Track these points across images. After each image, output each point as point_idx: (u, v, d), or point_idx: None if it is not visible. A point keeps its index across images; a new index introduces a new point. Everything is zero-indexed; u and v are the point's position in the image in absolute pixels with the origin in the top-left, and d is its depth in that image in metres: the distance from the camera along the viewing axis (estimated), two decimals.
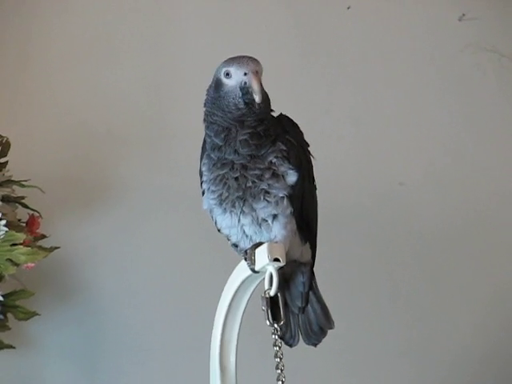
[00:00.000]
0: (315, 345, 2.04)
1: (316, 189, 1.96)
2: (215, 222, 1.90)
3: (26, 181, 2.50)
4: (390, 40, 3.13)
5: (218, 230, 1.91)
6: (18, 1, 2.91)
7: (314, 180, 1.95)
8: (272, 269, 1.75)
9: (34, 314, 2.55)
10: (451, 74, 3.15)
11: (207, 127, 1.88)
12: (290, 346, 2.01)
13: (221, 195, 1.85)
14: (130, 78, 2.94)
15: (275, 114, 1.90)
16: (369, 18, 3.13)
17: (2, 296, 2.43)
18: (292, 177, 1.82)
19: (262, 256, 1.76)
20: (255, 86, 1.80)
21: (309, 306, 2.02)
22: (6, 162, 2.51)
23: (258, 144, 1.83)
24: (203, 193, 1.90)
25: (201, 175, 1.92)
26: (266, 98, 1.84)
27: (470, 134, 3.11)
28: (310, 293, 2.01)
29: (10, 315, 2.52)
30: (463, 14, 3.15)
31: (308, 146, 1.93)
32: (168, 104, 2.92)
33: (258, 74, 1.82)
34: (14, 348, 2.57)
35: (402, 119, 3.08)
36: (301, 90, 3.01)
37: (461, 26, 3.16)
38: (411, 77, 3.12)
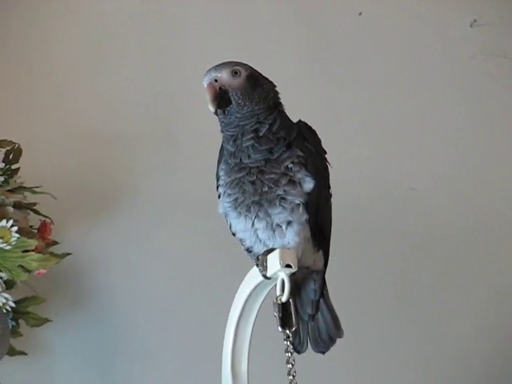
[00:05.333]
0: (323, 352, 2.04)
1: (331, 196, 1.95)
2: (230, 226, 1.90)
3: (37, 187, 2.51)
4: (401, 46, 3.13)
5: (233, 234, 1.91)
6: (24, 6, 2.92)
7: (329, 187, 1.94)
8: (284, 275, 1.75)
9: (46, 320, 2.56)
10: (462, 80, 3.15)
11: (222, 135, 1.91)
12: (298, 352, 2.00)
13: (236, 199, 1.85)
14: (140, 84, 2.94)
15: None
16: (380, 24, 3.13)
17: (14, 302, 2.42)
18: (309, 184, 1.82)
19: (273, 262, 1.76)
20: (206, 98, 1.83)
21: (319, 313, 2.01)
22: (18, 169, 2.52)
23: (269, 148, 1.83)
24: (219, 196, 1.90)
25: (217, 179, 1.92)
26: (247, 95, 1.84)
27: (482, 139, 3.11)
28: (321, 300, 2.00)
29: (21, 322, 2.52)
30: (475, 20, 3.15)
31: (325, 153, 1.93)
32: (178, 110, 2.93)
33: (211, 84, 1.84)
34: (25, 354, 2.57)
35: (413, 125, 3.08)
36: (312, 96, 3.01)
37: (472, 32, 3.16)
38: (422, 83, 3.12)
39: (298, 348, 2.01)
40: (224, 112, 1.85)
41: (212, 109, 1.84)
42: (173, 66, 2.97)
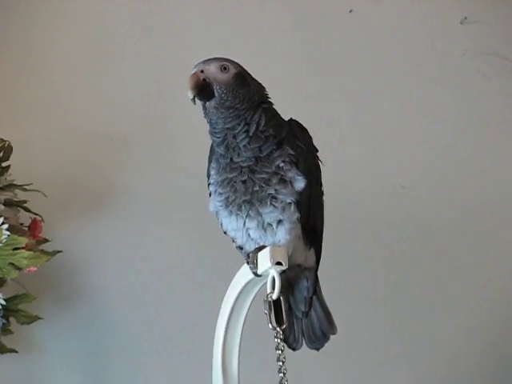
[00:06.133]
0: (318, 349, 2.04)
1: (323, 194, 1.96)
2: (221, 224, 1.90)
3: (28, 185, 2.50)
4: (391, 43, 3.13)
5: (224, 232, 1.91)
6: (22, 6, 2.91)
7: (321, 185, 1.94)
8: (274, 272, 1.75)
9: (37, 318, 2.55)
10: (453, 78, 3.15)
11: (211, 137, 1.91)
12: (294, 349, 2.02)
13: (228, 198, 1.85)
14: (132, 82, 2.94)
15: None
16: (370, 22, 3.13)
17: (5, 300, 2.42)
18: (300, 183, 1.82)
19: (264, 260, 1.76)
20: (187, 84, 1.82)
21: (312, 310, 2.01)
22: (8, 166, 2.51)
23: (258, 146, 1.83)
24: (210, 194, 1.90)
25: (208, 177, 1.92)
26: (231, 91, 1.84)
27: (472, 137, 3.11)
28: (314, 297, 2.01)
29: (12, 319, 2.52)
30: (465, 18, 3.15)
31: (317, 151, 1.93)
32: (171, 109, 2.92)
33: (196, 73, 1.83)
34: (16, 352, 2.57)
35: (403, 122, 3.08)
36: (302, 94, 3.01)
37: (463, 29, 3.16)
38: (413, 80, 3.12)
39: (293, 345, 2.02)
40: (205, 110, 1.85)
41: (190, 95, 1.82)
42: (168, 66, 2.97)
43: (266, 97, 1.91)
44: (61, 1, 2.97)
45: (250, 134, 1.83)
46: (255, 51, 2.97)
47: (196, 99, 1.84)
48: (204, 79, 1.84)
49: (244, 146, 1.83)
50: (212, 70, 1.84)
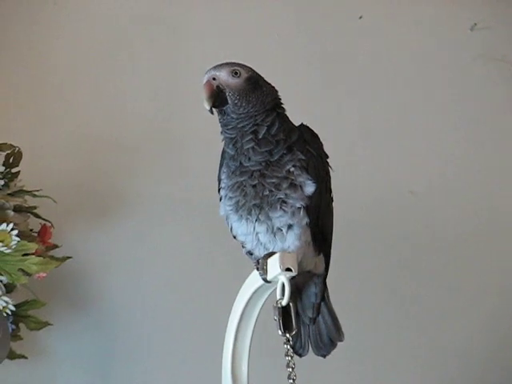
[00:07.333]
0: (324, 356, 2.04)
1: (333, 200, 1.95)
2: (231, 229, 1.90)
3: (37, 191, 2.50)
4: (401, 49, 3.13)
5: (234, 237, 1.91)
6: (33, 12, 2.92)
7: (331, 192, 1.94)
8: (284, 278, 1.74)
9: (46, 323, 2.55)
10: (462, 84, 3.15)
11: (222, 139, 1.91)
12: (300, 355, 2.01)
13: (238, 202, 1.85)
14: (141, 89, 2.95)
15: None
16: (380, 28, 3.13)
17: (14, 306, 2.42)
18: (310, 187, 1.82)
19: (273, 266, 1.76)
20: (203, 95, 1.83)
21: (320, 317, 2.01)
22: (18, 172, 2.52)
23: (268, 150, 1.83)
24: (220, 199, 1.90)
25: (219, 181, 1.92)
26: (244, 96, 1.84)
27: (481, 143, 3.11)
28: (322, 304, 2.00)
29: (21, 325, 2.52)
30: (475, 24, 3.15)
31: (327, 157, 1.92)
32: (177, 114, 2.93)
33: (209, 82, 1.84)
34: (26, 358, 2.57)
35: (412, 128, 3.08)
36: (311, 99, 3.01)
37: (472, 35, 3.16)
38: (422, 86, 3.12)
39: (299, 351, 2.02)
40: (221, 112, 1.86)
41: (207, 106, 1.84)
42: (173, 72, 2.98)
43: (278, 99, 1.91)
44: (70, 9, 2.98)
45: (260, 137, 1.83)
46: (264, 57, 2.96)
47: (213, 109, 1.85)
48: (217, 86, 1.84)
49: (252, 148, 1.83)
50: (224, 76, 1.85)
